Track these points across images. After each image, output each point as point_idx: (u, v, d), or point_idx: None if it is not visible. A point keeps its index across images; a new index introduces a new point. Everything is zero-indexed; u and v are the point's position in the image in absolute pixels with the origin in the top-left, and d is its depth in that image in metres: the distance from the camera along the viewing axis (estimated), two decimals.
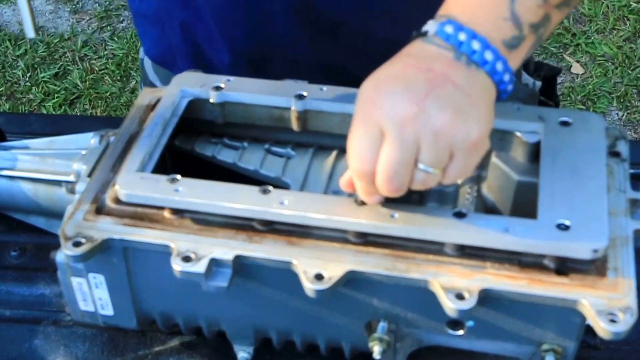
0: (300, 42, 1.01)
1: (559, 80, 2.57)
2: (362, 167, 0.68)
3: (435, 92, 0.66)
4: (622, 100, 2.50)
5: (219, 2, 0.99)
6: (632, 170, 0.79)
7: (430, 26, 0.70)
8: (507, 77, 0.70)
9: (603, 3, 2.77)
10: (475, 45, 0.68)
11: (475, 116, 0.67)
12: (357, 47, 1.02)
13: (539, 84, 1.18)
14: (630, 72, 2.57)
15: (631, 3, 2.77)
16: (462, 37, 0.68)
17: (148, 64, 1.20)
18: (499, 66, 0.69)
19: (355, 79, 0.77)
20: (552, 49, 2.65)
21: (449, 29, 0.69)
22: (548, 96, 1.19)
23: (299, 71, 0.90)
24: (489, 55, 0.68)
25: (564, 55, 2.64)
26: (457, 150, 0.66)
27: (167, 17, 1.08)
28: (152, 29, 1.13)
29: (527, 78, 1.17)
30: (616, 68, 2.58)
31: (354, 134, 0.68)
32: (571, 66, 2.61)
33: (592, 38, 2.67)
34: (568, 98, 2.52)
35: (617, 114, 2.48)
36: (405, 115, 0.65)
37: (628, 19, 2.73)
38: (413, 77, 0.67)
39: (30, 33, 0.81)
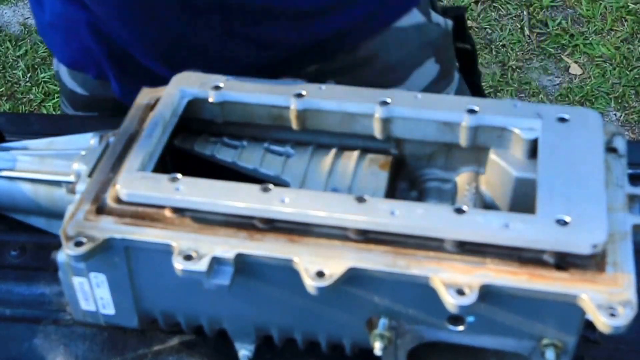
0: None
1: (557, 81, 2.58)
2: None
3: None
4: (620, 101, 2.51)
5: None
6: (630, 171, 0.80)
7: None
8: None
9: (601, 4, 2.78)
10: None
11: None
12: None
13: (450, 23, 1.17)
14: (628, 73, 2.57)
15: (629, 4, 2.77)
16: None
17: (64, 72, 1.21)
18: None
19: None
20: (550, 49, 2.66)
21: None
22: (461, 39, 1.19)
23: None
24: None
25: (562, 56, 2.64)
26: None
27: (73, 21, 1.09)
28: (62, 36, 1.14)
29: (437, 17, 1.16)
30: (614, 69, 2.58)
31: None
32: (569, 67, 2.62)
33: (590, 39, 2.68)
34: (566, 99, 2.52)
35: (615, 114, 2.48)
36: None
37: (626, 20, 2.73)
38: None
39: None
